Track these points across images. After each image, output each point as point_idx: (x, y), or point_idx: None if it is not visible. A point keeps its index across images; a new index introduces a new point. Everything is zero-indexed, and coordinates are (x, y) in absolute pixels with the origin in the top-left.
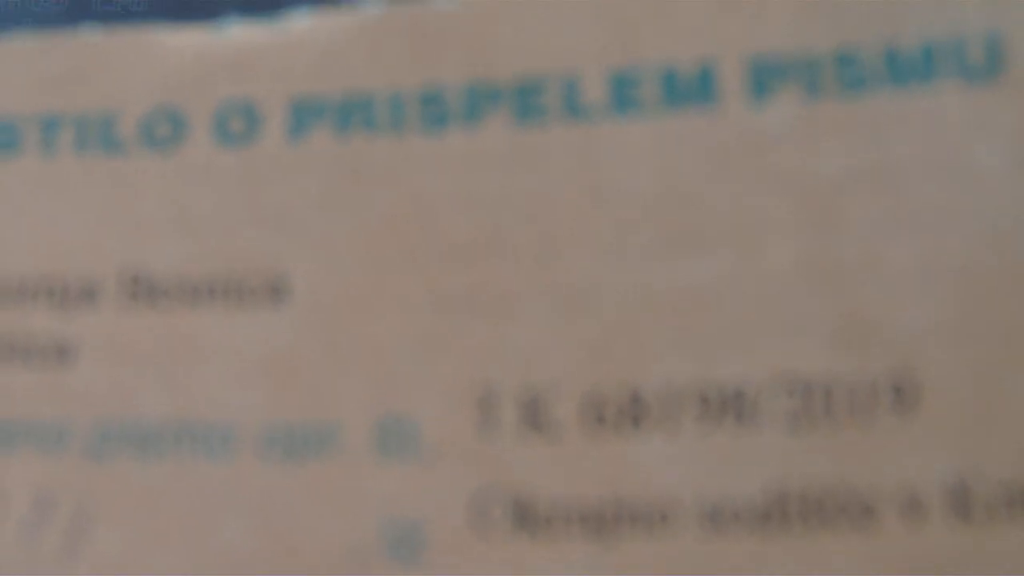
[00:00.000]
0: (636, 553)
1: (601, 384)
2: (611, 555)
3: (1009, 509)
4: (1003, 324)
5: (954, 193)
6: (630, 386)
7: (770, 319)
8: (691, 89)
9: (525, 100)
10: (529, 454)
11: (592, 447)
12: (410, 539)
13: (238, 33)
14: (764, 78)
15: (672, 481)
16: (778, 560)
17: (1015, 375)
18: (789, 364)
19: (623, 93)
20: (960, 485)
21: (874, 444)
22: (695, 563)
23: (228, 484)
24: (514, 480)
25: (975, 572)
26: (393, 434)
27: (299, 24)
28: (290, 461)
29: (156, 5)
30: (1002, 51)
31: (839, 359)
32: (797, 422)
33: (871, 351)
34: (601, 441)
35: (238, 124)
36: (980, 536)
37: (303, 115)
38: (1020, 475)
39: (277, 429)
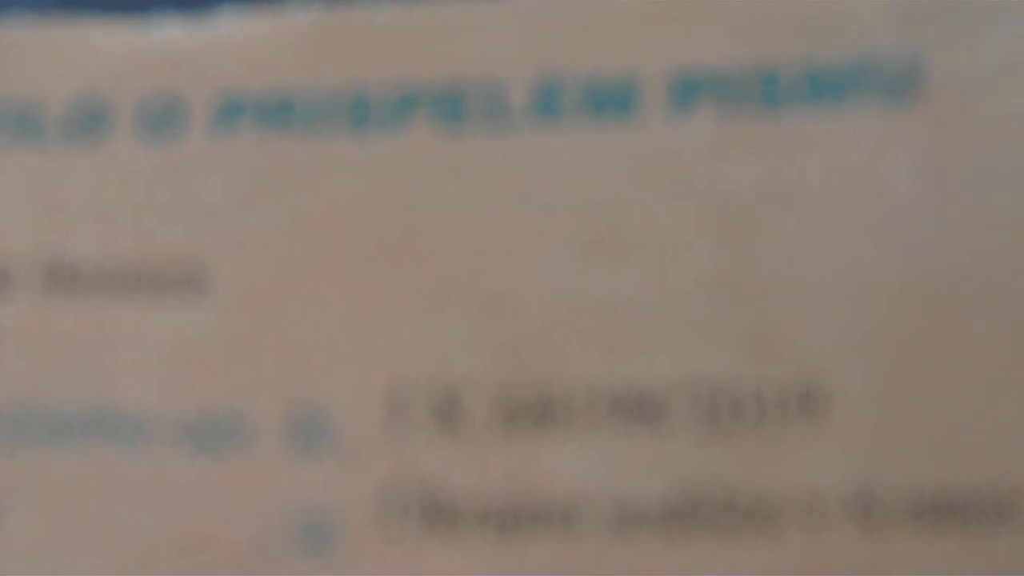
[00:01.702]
0: (541, 552)
1: (513, 384)
2: (516, 553)
3: (910, 517)
4: (908, 337)
5: (865, 210)
6: (542, 387)
7: (682, 327)
8: (613, 101)
9: (450, 107)
10: (439, 451)
11: (502, 446)
12: (317, 532)
13: (166, 31)
14: (685, 93)
15: (580, 482)
16: (682, 562)
17: (919, 387)
18: (700, 371)
19: (547, 103)
20: (863, 493)
21: (780, 451)
22: (600, 564)
23: (141, 474)
24: (423, 476)
25: None
26: (305, 428)
27: (228, 25)
28: (203, 452)
29: (87, 2)
30: (919, 71)
31: (749, 367)
32: (705, 427)
33: (780, 360)
34: (511, 440)
35: (162, 119)
36: (881, 543)
37: (228, 113)
38: (922, 484)
39: (190, 420)
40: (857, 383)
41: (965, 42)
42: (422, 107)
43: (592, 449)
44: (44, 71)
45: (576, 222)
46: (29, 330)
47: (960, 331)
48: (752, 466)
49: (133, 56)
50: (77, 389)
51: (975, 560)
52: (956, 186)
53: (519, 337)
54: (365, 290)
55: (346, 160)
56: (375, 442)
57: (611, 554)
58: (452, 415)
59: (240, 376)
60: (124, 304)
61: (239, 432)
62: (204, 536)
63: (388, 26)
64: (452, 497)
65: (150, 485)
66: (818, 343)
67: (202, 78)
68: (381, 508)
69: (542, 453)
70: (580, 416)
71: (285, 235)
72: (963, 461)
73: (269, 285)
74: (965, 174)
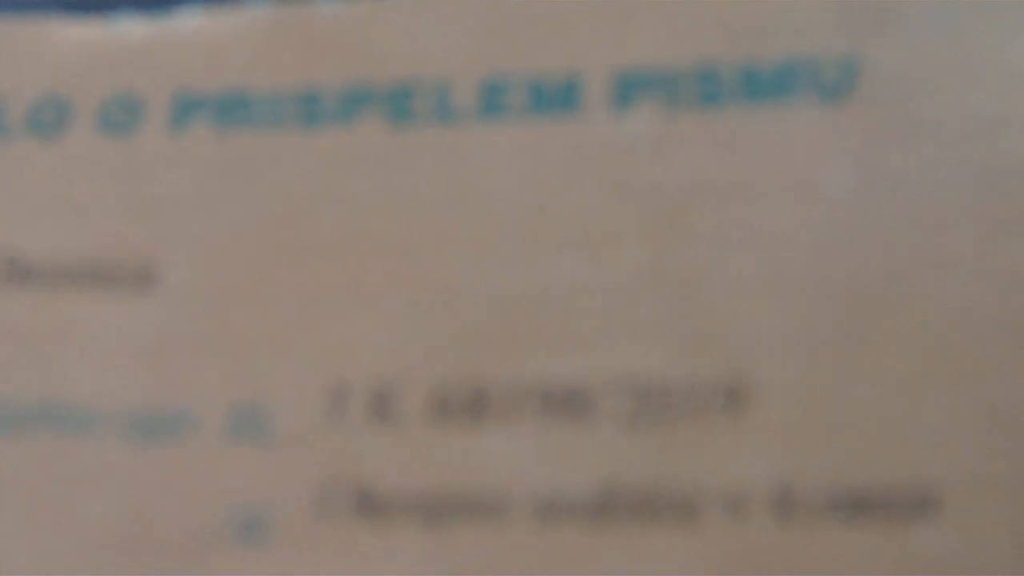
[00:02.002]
0: (471, 543)
1: (448, 379)
2: (447, 543)
3: (830, 511)
4: (834, 335)
5: (799, 207)
6: (475, 382)
7: (615, 322)
8: (557, 98)
9: (399, 103)
10: (375, 444)
11: (436, 439)
12: (256, 524)
13: (127, 28)
14: (626, 90)
15: (510, 474)
16: (607, 553)
17: (842, 384)
18: (630, 366)
19: (492, 100)
20: (784, 487)
21: (704, 445)
22: (528, 554)
23: (90, 465)
24: (360, 469)
25: (794, 571)
26: (247, 421)
27: (187, 22)
28: (149, 444)
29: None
30: (855, 71)
31: (678, 363)
32: (633, 422)
33: (708, 356)
34: (445, 434)
35: (121, 115)
36: (800, 536)
37: (184, 109)
38: (842, 479)
39: (138, 413)
40: (781, 380)
41: (899, 43)
42: (372, 104)
43: (522, 442)
44: (7, 68)
45: (516, 218)
46: None
47: (885, 330)
48: (677, 460)
49: (94, 53)
50: (28, 380)
51: (891, 553)
52: (888, 185)
53: (455, 332)
54: (308, 286)
55: (297, 155)
56: (314, 436)
57: (538, 544)
58: (388, 410)
59: (186, 370)
60: (77, 298)
61: (183, 425)
62: (147, 526)
63: (340, 26)
64: (386, 489)
65: (97, 476)
66: (746, 340)
67: (160, 75)
68: (318, 500)
69: (474, 446)
70: (512, 410)
71: (235, 230)
72: (881, 457)
73: (217, 280)
74: (897, 173)
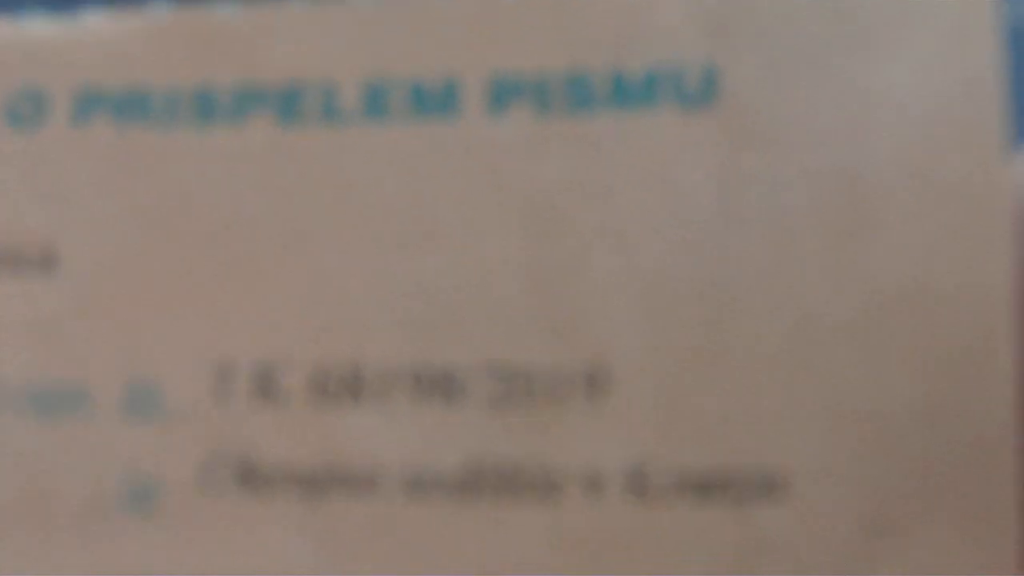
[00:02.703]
0: (344, 514)
1: (327, 359)
2: (322, 515)
3: (681, 492)
4: (689, 329)
5: (660, 208)
6: (352, 362)
7: (485, 311)
8: (436, 101)
9: (287, 104)
10: (258, 420)
11: (314, 416)
12: (145, 495)
13: (35, 26)
14: (501, 94)
15: (382, 450)
16: (472, 527)
17: (695, 374)
18: (497, 352)
19: (375, 103)
20: (638, 468)
21: (565, 427)
22: (397, 526)
23: None
24: (243, 443)
25: (647, 547)
26: (139, 397)
27: (91, 21)
28: (46, 418)
29: None
30: (716, 79)
31: (543, 350)
32: (498, 404)
33: (571, 345)
34: (323, 411)
35: (27, 109)
36: (653, 515)
37: (86, 105)
38: (693, 462)
39: (37, 388)
40: (638, 369)
41: (757, 53)
42: (262, 105)
43: (394, 422)
44: None
45: (395, 213)
46: None
47: (736, 325)
48: (539, 441)
49: (3, 49)
50: None
51: (738, 532)
52: (745, 189)
53: (334, 316)
54: (199, 272)
55: (191, 151)
56: (201, 411)
57: (407, 516)
58: (271, 388)
59: (82, 349)
60: None
61: (79, 400)
62: (44, 497)
63: (235, 28)
64: (268, 464)
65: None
66: (607, 331)
67: (65, 72)
68: (203, 472)
69: (349, 424)
70: (385, 391)
71: (131, 220)
72: (730, 443)
73: (113, 265)
74: (753, 178)
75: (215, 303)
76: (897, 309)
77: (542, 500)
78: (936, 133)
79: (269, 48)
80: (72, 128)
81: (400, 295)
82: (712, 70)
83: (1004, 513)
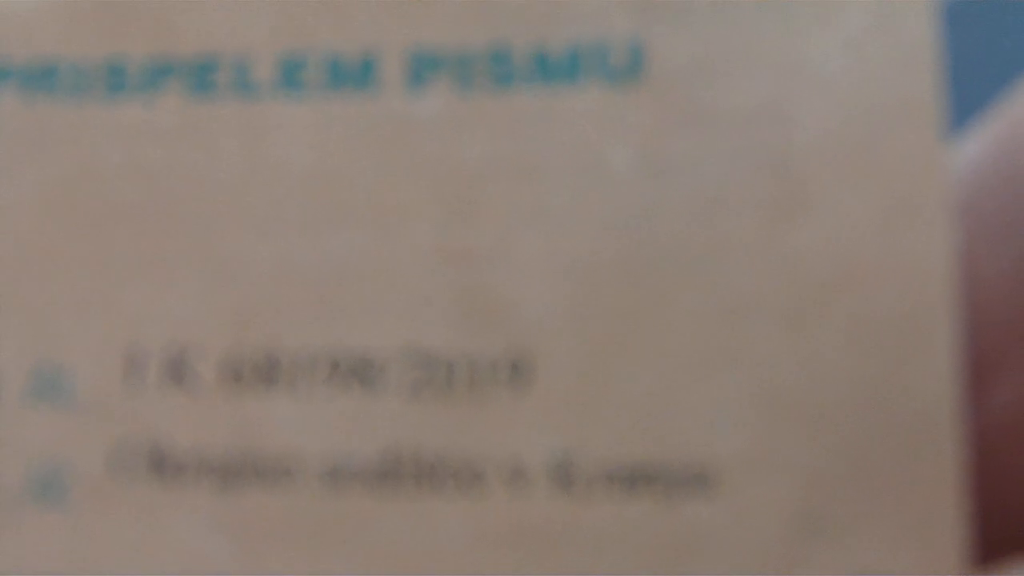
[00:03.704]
0: (259, 504)
1: (240, 346)
2: (237, 505)
3: (606, 484)
4: (616, 314)
5: (585, 188)
6: (266, 349)
7: (403, 295)
8: (353, 75)
9: (200, 77)
10: (169, 408)
11: (227, 404)
12: (53, 483)
13: None
14: (421, 69)
15: (297, 439)
16: (391, 518)
17: (622, 362)
18: (416, 338)
19: (290, 76)
20: (564, 459)
21: (488, 417)
22: (314, 517)
23: None
24: (154, 432)
25: (573, 539)
26: (47, 384)
27: None
28: None
29: None
30: (642, 56)
31: (463, 336)
32: (418, 392)
33: (493, 331)
34: (236, 399)
35: None
36: (579, 507)
37: None
38: (618, 454)
39: None
40: (563, 356)
41: (685, 30)
42: (174, 77)
43: (310, 410)
44: None
45: (310, 191)
46: None
47: (666, 310)
48: (460, 430)
49: None
50: None
51: (667, 526)
52: (673, 169)
53: (247, 301)
54: (108, 253)
55: (101, 126)
56: (111, 399)
57: (324, 508)
58: (182, 375)
59: None
60: None
61: None
62: None
63: (146, 1)
64: (179, 452)
65: None
66: (530, 316)
67: None
68: (113, 461)
69: (264, 412)
70: (300, 378)
71: (38, 198)
72: (659, 434)
73: (21, 246)
74: (681, 157)
75: (123, 285)
76: (831, 292)
77: (464, 492)
78: (870, 110)
79: (181, 19)
80: None
81: (314, 278)
82: (638, 46)
83: (948, 507)
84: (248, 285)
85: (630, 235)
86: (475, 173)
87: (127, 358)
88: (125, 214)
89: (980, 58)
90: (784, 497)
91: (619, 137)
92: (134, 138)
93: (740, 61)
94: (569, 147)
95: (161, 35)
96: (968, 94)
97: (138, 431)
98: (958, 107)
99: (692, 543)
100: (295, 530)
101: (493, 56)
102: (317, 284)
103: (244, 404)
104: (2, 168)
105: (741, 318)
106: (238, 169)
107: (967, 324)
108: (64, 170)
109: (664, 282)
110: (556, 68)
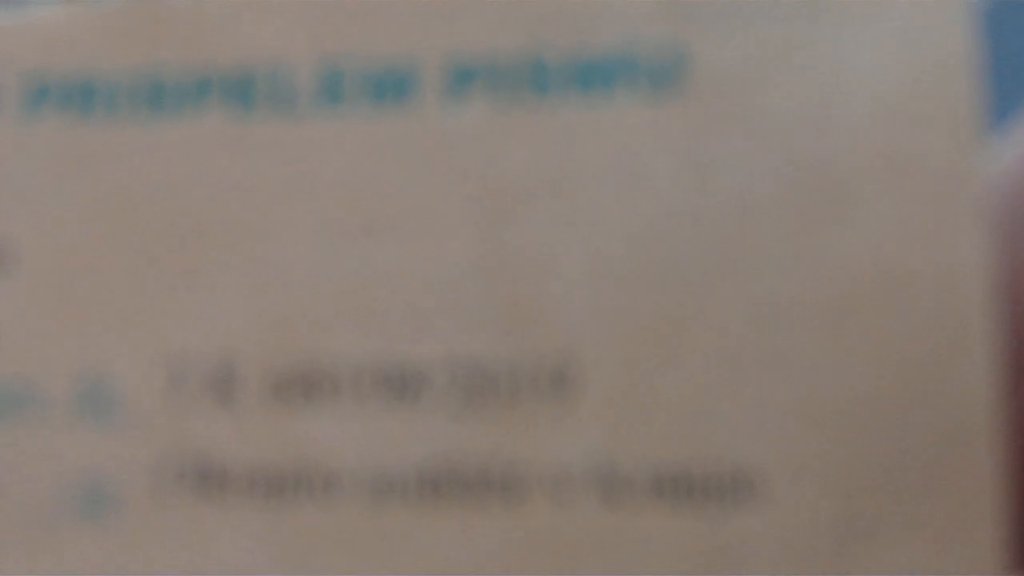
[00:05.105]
0: (304, 518)
1: (284, 359)
2: (282, 518)
3: (651, 494)
4: (658, 321)
5: (624, 197)
6: (311, 362)
7: (446, 306)
8: (392, 87)
9: (239, 92)
10: (214, 422)
11: (272, 417)
12: (97, 498)
13: None
14: (460, 79)
15: (342, 451)
16: (435, 532)
17: (665, 368)
18: (459, 349)
19: (330, 88)
20: (606, 470)
21: (531, 426)
22: (358, 532)
23: None
24: (198, 445)
25: (616, 550)
26: (92, 398)
27: (41, 12)
28: None
29: None
30: (682, 63)
31: (505, 346)
32: (462, 403)
33: (535, 340)
34: (280, 412)
35: None
36: (623, 518)
37: (36, 97)
38: (663, 463)
39: None
40: (606, 365)
41: (725, 35)
42: (214, 92)
43: (355, 422)
44: None
45: (351, 204)
46: None
47: (706, 317)
48: (503, 442)
49: None
50: None
51: (711, 535)
52: (712, 176)
53: (291, 313)
54: (152, 267)
55: (141, 143)
56: (155, 412)
57: (369, 521)
58: (227, 387)
59: (35, 347)
60: None
61: (31, 399)
62: None
63: (184, 13)
64: (224, 465)
65: None
66: (572, 325)
67: (12, 63)
68: (158, 474)
69: (308, 425)
70: (345, 390)
71: (83, 215)
72: (702, 440)
73: (69, 261)
74: (721, 164)
75: (167, 300)
76: (870, 298)
77: (508, 504)
78: (909, 116)
79: (219, 32)
80: (22, 120)
81: (356, 291)
82: (679, 52)
83: (986, 511)
84: (291, 298)
85: (671, 242)
86: (516, 183)
87: (171, 373)
88: (169, 230)
89: (1019, 60)
90: (827, 502)
91: (659, 143)
92: (176, 156)
93: (781, 66)
94: (609, 154)
95: (199, 49)
96: (1007, 96)
97: (182, 445)
98: (997, 109)
99: (737, 550)
100: (340, 544)
101: (532, 65)
102: (360, 296)
103: (288, 417)
104: (46, 186)
105: (782, 324)
106: (280, 183)
107: (1010, 327)
108: (107, 188)
109: (704, 289)
110: (595, 77)
